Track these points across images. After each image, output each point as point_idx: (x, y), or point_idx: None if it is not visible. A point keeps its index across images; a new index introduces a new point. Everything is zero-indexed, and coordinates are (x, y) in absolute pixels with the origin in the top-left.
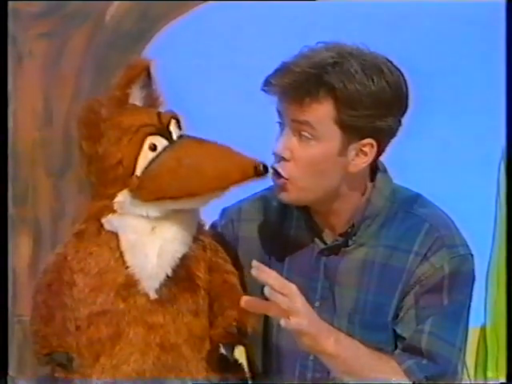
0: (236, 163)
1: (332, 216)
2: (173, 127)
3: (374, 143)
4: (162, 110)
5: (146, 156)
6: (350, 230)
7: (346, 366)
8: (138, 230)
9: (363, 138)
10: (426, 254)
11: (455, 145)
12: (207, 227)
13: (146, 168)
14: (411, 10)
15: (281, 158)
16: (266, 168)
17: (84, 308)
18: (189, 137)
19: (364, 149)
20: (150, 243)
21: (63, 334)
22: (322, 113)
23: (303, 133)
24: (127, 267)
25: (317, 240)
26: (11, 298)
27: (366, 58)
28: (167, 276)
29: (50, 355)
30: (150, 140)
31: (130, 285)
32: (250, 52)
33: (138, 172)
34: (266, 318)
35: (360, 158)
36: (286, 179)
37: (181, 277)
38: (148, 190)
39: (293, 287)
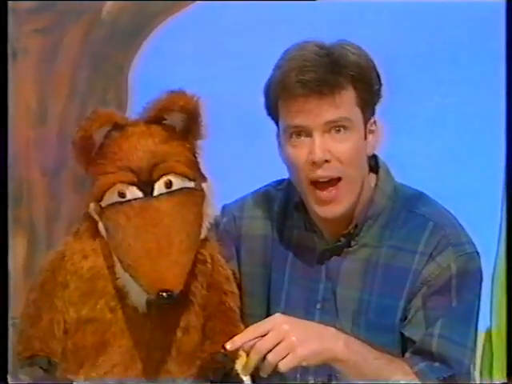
0: (154, 272)
1: (336, 220)
2: (159, 185)
3: (377, 119)
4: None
5: (111, 196)
6: (352, 230)
7: (357, 370)
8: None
9: (371, 117)
10: (431, 254)
11: (455, 145)
12: (211, 240)
13: (108, 205)
14: (411, 9)
15: (323, 163)
16: (169, 297)
17: (74, 312)
18: (165, 200)
19: (371, 128)
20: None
21: (48, 337)
22: (350, 100)
23: (337, 129)
24: (117, 278)
25: (318, 241)
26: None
27: (348, 43)
28: None
29: (31, 358)
30: (121, 187)
31: (120, 296)
32: (250, 47)
33: (103, 203)
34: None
35: (371, 137)
36: (339, 178)
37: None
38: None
39: (275, 319)
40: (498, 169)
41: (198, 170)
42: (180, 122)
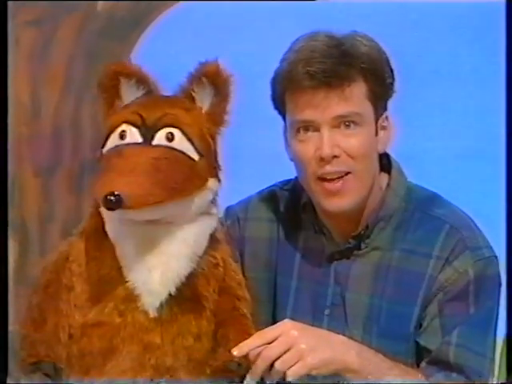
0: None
1: (344, 218)
2: (160, 134)
3: (389, 115)
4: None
5: (113, 139)
6: (363, 232)
7: (370, 381)
8: (137, 243)
9: (383, 112)
10: (448, 258)
11: (455, 145)
12: (223, 243)
13: (108, 150)
14: (411, 10)
15: (331, 159)
16: (117, 202)
17: (79, 316)
18: (158, 149)
19: (383, 123)
20: (153, 258)
21: (53, 342)
22: (360, 94)
23: (346, 124)
24: (127, 281)
25: (327, 243)
26: None
27: (359, 34)
28: (170, 294)
29: (36, 364)
30: (124, 127)
31: (130, 299)
32: (251, 40)
33: (104, 149)
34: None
35: (382, 133)
36: (348, 173)
37: (185, 296)
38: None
39: (284, 325)
40: (497, 169)
41: (210, 154)
42: (208, 98)
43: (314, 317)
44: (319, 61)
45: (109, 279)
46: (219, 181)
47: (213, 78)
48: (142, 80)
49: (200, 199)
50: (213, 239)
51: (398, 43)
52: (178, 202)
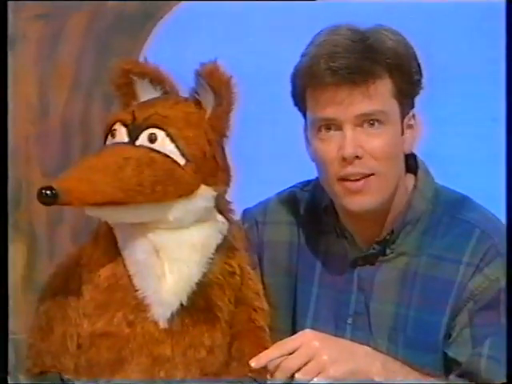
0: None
1: (369, 223)
2: (144, 135)
3: (416, 113)
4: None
5: (109, 139)
6: (388, 236)
7: None
8: (145, 250)
9: (410, 110)
10: (478, 265)
11: (454, 146)
12: (241, 250)
13: None
14: (411, 10)
15: (354, 160)
16: (50, 196)
17: (88, 325)
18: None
19: (410, 122)
20: (162, 265)
21: (60, 352)
22: (386, 91)
23: (370, 122)
24: (137, 290)
25: (349, 248)
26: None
27: (385, 28)
28: (181, 304)
29: (42, 375)
30: (116, 127)
31: (139, 309)
32: (263, 36)
33: None
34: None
35: (409, 133)
36: (371, 175)
37: (198, 306)
38: None
39: (305, 335)
40: (498, 169)
41: (204, 160)
42: (210, 101)
43: (336, 326)
44: (342, 56)
45: (118, 287)
46: (216, 188)
47: (210, 80)
48: (157, 80)
49: (191, 205)
50: (228, 246)
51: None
52: (155, 205)
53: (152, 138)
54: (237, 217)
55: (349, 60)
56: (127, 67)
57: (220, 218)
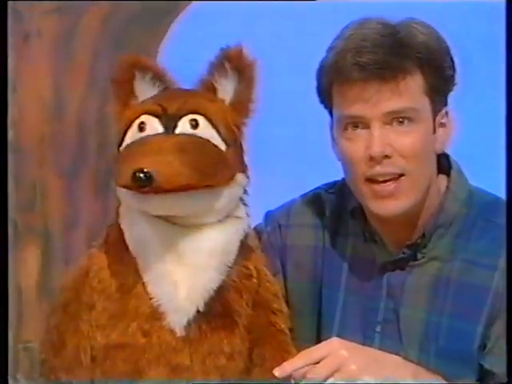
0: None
1: (399, 226)
2: (183, 122)
3: (449, 111)
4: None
5: (132, 133)
6: (419, 240)
7: None
8: (161, 255)
9: (442, 107)
10: None
11: (455, 144)
12: (257, 251)
13: (126, 146)
14: (411, 10)
15: (382, 159)
16: (147, 179)
17: (101, 337)
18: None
19: (442, 120)
20: (178, 271)
21: (74, 366)
22: (416, 87)
23: (400, 120)
24: (151, 297)
25: (378, 252)
26: (16, 320)
27: (417, 22)
28: (198, 311)
29: None
30: (143, 119)
31: (154, 317)
32: (286, 32)
33: (122, 147)
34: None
35: (441, 131)
36: (401, 175)
37: (215, 312)
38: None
39: (332, 344)
40: (497, 169)
41: (237, 146)
42: (231, 87)
43: (364, 334)
44: (370, 51)
45: (132, 296)
46: (247, 178)
47: (236, 63)
48: (158, 76)
49: (229, 193)
50: (244, 247)
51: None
52: (207, 192)
53: (193, 124)
54: (251, 213)
55: (377, 55)
56: (132, 62)
57: (242, 213)
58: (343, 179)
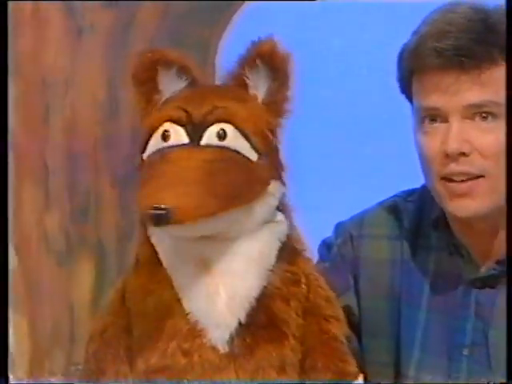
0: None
1: (487, 236)
2: (210, 132)
3: None
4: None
5: (156, 141)
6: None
7: None
8: (194, 267)
9: None
10: None
11: None
12: (304, 254)
13: (150, 155)
14: (409, 9)
15: (458, 156)
16: (163, 216)
17: (141, 362)
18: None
19: None
20: (214, 281)
21: None
22: (502, 80)
23: (483, 115)
24: (187, 313)
25: (465, 267)
26: (68, 340)
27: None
28: (240, 323)
29: None
30: (167, 127)
31: (194, 335)
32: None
33: (145, 154)
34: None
35: None
36: (479, 176)
37: (259, 323)
38: None
39: None
40: None
41: (271, 151)
42: (264, 84)
43: (449, 358)
44: (453, 36)
45: (168, 314)
46: (283, 183)
47: (268, 59)
48: (183, 68)
49: (261, 207)
50: (288, 251)
51: (396, 43)
52: (236, 211)
53: (221, 135)
54: (296, 214)
55: (460, 41)
56: (154, 58)
57: (280, 217)
58: (423, 186)
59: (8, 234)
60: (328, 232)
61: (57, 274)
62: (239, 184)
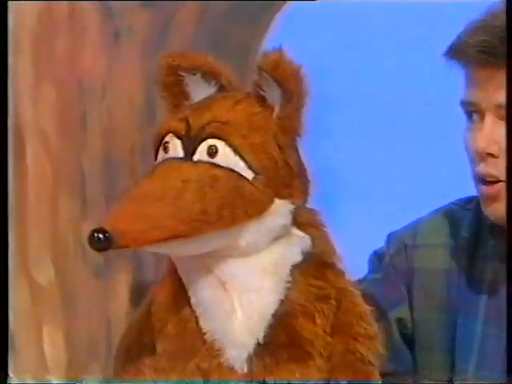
0: None
1: None
2: (202, 148)
3: None
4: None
5: (161, 153)
6: None
7: None
8: (210, 284)
9: None
10: None
11: (453, 145)
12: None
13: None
14: (409, 9)
15: (486, 156)
16: (104, 240)
17: (163, 381)
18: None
19: None
20: (229, 299)
21: None
22: None
23: None
24: (205, 332)
25: None
26: (104, 356)
27: None
28: (258, 343)
29: None
30: (169, 139)
31: (212, 355)
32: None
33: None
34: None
35: None
36: (500, 181)
37: (280, 341)
38: None
39: None
40: None
41: (276, 170)
42: (277, 98)
43: (509, 374)
44: (493, 31)
45: (187, 333)
46: (297, 199)
47: (273, 73)
48: (210, 73)
49: (265, 226)
50: (316, 266)
51: (397, 43)
52: (223, 232)
53: (212, 152)
54: (326, 227)
55: (496, 36)
56: (175, 63)
57: (297, 232)
58: None
59: (8, 235)
60: (376, 245)
61: (94, 285)
62: (217, 206)
